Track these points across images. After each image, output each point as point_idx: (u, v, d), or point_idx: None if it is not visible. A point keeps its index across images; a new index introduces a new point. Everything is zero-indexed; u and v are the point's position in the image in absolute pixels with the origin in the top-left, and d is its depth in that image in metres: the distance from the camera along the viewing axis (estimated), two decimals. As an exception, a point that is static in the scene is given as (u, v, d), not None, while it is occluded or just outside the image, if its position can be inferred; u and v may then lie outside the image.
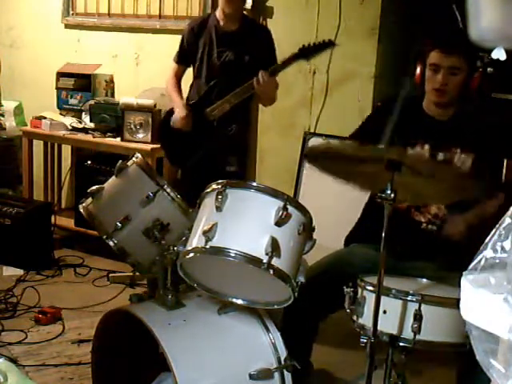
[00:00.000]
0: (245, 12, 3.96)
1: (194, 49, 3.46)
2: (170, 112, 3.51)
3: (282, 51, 3.88)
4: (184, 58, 3.52)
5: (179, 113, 3.39)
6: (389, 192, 1.85)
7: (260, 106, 4.07)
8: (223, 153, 3.43)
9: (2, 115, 5.01)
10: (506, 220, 1.01)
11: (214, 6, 3.93)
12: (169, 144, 3.61)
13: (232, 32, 3.39)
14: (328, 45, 3.20)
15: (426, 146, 2.44)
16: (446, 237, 2.37)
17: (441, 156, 2.43)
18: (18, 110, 5.10)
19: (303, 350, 2.52)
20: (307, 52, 3.21)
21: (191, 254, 1.93)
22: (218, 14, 3.42)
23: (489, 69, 3.47)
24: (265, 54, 3.41)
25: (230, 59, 3.36)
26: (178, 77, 3.56)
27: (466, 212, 2.40)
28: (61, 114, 4.71)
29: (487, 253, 1.01)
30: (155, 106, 4.10)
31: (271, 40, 3.45)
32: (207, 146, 3.39)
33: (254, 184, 1.98)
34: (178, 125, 3.40)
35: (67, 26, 4.91)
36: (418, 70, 2.47)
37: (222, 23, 3.40)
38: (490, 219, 2.40)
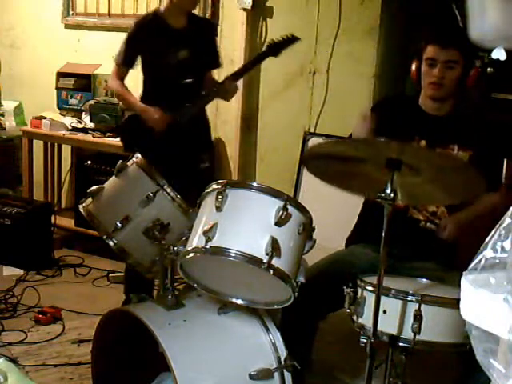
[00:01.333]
0: (245, 12, 3.98)
1: (143, 50, 3.29)
2: (133, 117, 3.37)
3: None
4: (130, 61, 3.31)
5: (154, 114, 3.20)
6: (388, 192, 1.85)
7: (260, 106, 4.08)
8: (196, 151, 3.40)
9: (2, 115, 5.01)
10: (506, 220, 1.01)
11: (159, 4, 3.91)
12: (136, 146, 3.29)
13: (182, 29, 3.27)
14: (293, 40, 3.26)
15: (423, 143, 2.44)
16: (440, 239, 2.37)
17: (438, 150, 2.44)
18: (18, 110, 5.10)
19: (302, 350, 2.51)
20: (275, 48, 3.26)
21: (191, 254, 1.93)
22: (165, 11, 3.27)
23: (489, 69, 3.47)
24: (213, 47, 3.42)
25: (184, 57, 3.26)
26: (122, 79, 3.35)
27: (458, 212, 2.40)
28: (61, 114, 4.72)
29: (487, 253, 1.01)
30: (155, 106, 4.09)
31: (216, 31, 3.48)
32: (183, 147, 3.30)
33: (255, 184, 1.98)
34: (156, 125, 3.21)
35: (67, 26, 4.91)
36: (414, 67, 2.47)
37: (169, 21, 3.26)
38: (483, 218, 2.40)
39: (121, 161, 2.51)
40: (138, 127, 3.31)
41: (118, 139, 4.16)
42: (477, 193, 1.99)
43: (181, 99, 3.26)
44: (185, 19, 3.28)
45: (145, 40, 3.27)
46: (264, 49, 3.32)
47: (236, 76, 3.31)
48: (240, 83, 3.85)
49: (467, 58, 2.38)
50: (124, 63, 3.32)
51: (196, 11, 4.11)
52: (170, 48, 3.25)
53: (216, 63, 3.47)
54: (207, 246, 1.88)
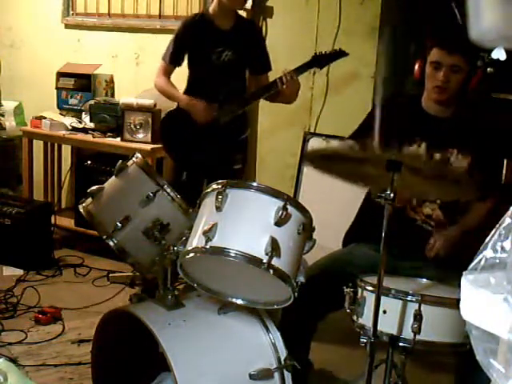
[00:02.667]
0: (245, 12, 3.97)
1: (189, 49, 3.39)
2: (172, 113, 3.47)
3: (282, 51, 3.89)
4: (176, 59, 3.43)
5: (200, 105, 3.28)
6: (388, 192, 1.85)
7: (260, 106, 4.08)
8: (231, 152, 3.45)
9: (2, 115, 5.01)
10: (506, 220, 1.01)
11: (206, 6, 3.92)
12: (174, 145, 3.53)
13: (228, 30, 3.35)
14: (340, 54, 3.24)
15: (423, 145, 2.44)
16: (432, 256, 2.39)
17: (437, 156, 2.44)
18: (18, 110, 5.10)
19: (301, 349, 2.52)
20: (321, 60, 3.25)
21: (191, 254, 1.93)
22: (213, 12, 3.35)
23: (489, 69, 3.47)
24: (259, 51, 3.43)
25: (230, 59, 3.33)
26: (168, 76, 3.46)
27: (447, 229, 2.41)
28: (61, 114, 4.72)
29: (487, 253, 1.01)
30: (155, 105, 4.10)
31: (262, 36, 3.48)
32: (219, 148, 3.37)
33: (254, 184, 1.98)
34: (200, 117, 3.29)
35: (67, 26, 4.92)
36: (418, 66, 2.47)
37: (217, 22, 3.35)
38: (474, 231, 2.43)
39: (121, 161, 2.51)
40: (178, 122, 3.39)
41: (119, 139, 4.21)
42: (475, 191, 1.99)
43: (222, 99, 3.32)
44: (232, 20, 3.35)
45: (191, 39, 3.37)
46: (310, 58, 3.27)
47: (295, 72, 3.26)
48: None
49: (471, 62, 2.40)
50: (171, 61, 3.43)
51: (196, 11, 4.13)
52: (215, 48, 3.32)
53: (263, 67, 3.45)
54: (207, 246, 1.88)
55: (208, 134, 3.33)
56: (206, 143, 3.35)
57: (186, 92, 3.44)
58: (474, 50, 2.41)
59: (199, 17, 3.43)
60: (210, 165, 3.34)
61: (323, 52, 3.25)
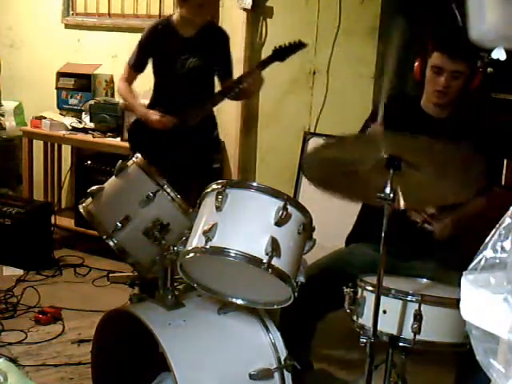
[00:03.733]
0: (245, 12, 3.98)
1: (153, 56, 3.37)
2: (137, 121, 3.43)
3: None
4: (139, 65, 3.41)
5: (152, 115, 3.26)
6: (388, 192, 1.85)
7: (260, 106, 4.08)
8: (205, 151, 3.44)
9: (2, 115, 5.01)
10: (506, 220, 1.01)
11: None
12: (146, 152, 3.45)
13: (192, 37, 3.31)
14: (299, 46, 3.23)
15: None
16: (435, 238, 2.39)
17: (439, 146, 2.44)
18: (18, 110, 5.10)
19: (301, 349, 2.52)
20: (281, 53, 3.23)
21: (191, 254, 1.93)
22: (177, 19, 3.31)
23: (489, 69, 3.47)
24: (224, 56, 3.41)
25: (195, 65, 3.30)
26: (130, 82, 3.44)
27: (452, 212, 2.41)
28: (61, 114, 4.72)
29: (487, 253, 1.01)
30: (155, 106, 4.10)
31: (228, 40, 3.44)
32: (192, 149, 3.33)
33: (254, 184, 1.98)
34: (157, 125, 3.25)
35: (67, 26, 4.92)
36: (417, 67, 2.47)
37: (180, 30, 3.31)
38: (476, 217, 2.43)
39: (121, 161, 2.51)
40: (145, 129, 3.35)
41: (119, 140, 4.21)
42: (476, 190, 1.99)
43: (188, 105, 3.28)
44: (195, 28, 3.31)
45: (155, 46, 3.35)
46: (271, 53, 3.26)
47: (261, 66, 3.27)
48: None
49: (473, 66, 2.40)
50: (134, 67, 3.42)
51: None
52: (179, 56, 3.29)
53: (227, 72, 3.43)
54: (207, 246, 1.88)
55: (178, 136, 3.29)
56: (177, 146, 3.30)
57: (152, 99, 3.43)
58: (475, 55, 2.42)
59: (164, 22, 3.41)
60: (187, 166, 3.30)
61: (283, 45, 3.23)
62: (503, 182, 3.21)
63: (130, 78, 3.44)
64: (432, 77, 2.42)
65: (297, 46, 3.24)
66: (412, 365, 2.10)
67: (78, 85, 4.64)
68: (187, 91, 3.32)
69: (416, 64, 2.49)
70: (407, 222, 2.44)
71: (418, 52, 2.51)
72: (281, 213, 1.88)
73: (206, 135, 3.43)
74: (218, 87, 3.44)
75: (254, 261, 1.85)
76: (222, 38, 3.42)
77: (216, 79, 3.45)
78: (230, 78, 3.39)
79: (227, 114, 4.16)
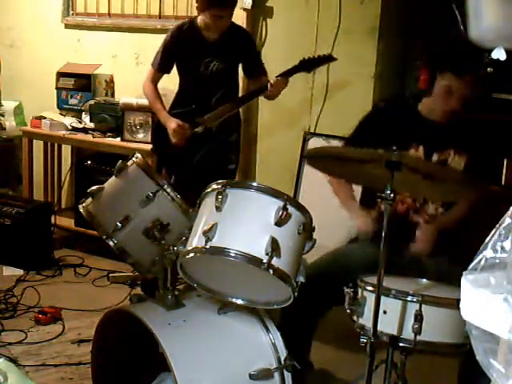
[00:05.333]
0: (245, 12, 3.98)
1: (177, 59, 3.42)
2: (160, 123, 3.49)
3: (282, 51, 3.89)
4: (165, 67, 3.46)
5: (172, 124, 3.32)
6: (388, 192, 1.85)
7: (259, 106, 4.08)
8: (224, 152, 3.47)
9: (2, 115, 5.01)
10: (506, 220, 1.01)
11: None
12: (165, 150, 3.53)
13: (216, 40, 3.35)
14: (329, 59, 3.28)
15: (421, 148, 2.46)
16: (417, 255, 2.40)
17: (435, 157, 2.46)
18: (18, 110, 5.10)
19: (302, 348, 2.52)
20: (308, 65, 3.27)
21: (191, 254, 1.93)
22: (200, 23, 3.34)
23: (489, 69, 3.47)
24: (250, 56, 3.46)
25: (218, 69, 3.35)
26: (155, 84, 3.49)
27: (429, 225, 2.43)
28: (61, 114, 4.71)
29: (487, 253, 1.01)
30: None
31: (253, 41, 3.49)
32: (212, 149, 3.40)
33: (254, 184, 1.98)
34: (173, 137, 3.33)
35: (67, 26, 4.91)
36: (425, 76, 2.49)
37: (204, 33, 3.35)
38: (456, 225, 2.45)
39: (121, 161, 2.51)
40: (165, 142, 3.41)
41: (119, 140, 4.21)
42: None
43: (212, 109, 3.33)
44: (219, 31, 3.33)
45: (179, 50, 3.40)
46: (297, 63, 3.30)
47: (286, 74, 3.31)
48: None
49: (475, 81, 2.42)
50: (159, 69, 3.47)
51: (196, 12, 4.12)
52: (202, 59, 3.33)
53: (259, 71, 3.47)
54: (207, 246, 1.88)
55: (199, 137, 3.35)
56: (199, 146, 3.38)
57: (177, 98, 3.48)
58: (482, 71, 2.45)
59: (187, 27, 3.44)
60: (206, 167, 3.36)
61: (311, 56, 3.28)
62: (503, 182, 3.21)
63: (154, 79, 3.49)
64: (442, 95, 2.44)
65: (326, 59, 3.29)
66: (412, 365, 2.09)
67: (78, 85, 4.63)
68: (210, 94, 3.37)
69: (422, 73, 2.50)
70: (409, 226, 2.45)
71: (420, 58, 2.52)
72: (281, 213, 1.88)
73: (224, 137, 3.47)
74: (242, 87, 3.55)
75: (254, 261, 1.85)
76: (246, 40, 3.47)
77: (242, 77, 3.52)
78: (260, 76, 3.45)
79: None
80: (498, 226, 1.01)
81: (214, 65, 3.35)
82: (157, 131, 3.64)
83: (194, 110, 3.36)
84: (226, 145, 3.49)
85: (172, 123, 3.33)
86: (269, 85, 3.27)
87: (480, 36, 0.87)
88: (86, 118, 4.52)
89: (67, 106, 4.69)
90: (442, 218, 2.48)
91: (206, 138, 3.37)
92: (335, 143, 3.56)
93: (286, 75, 3.28)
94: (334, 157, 1.95)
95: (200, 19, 3.34)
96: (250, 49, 3.51)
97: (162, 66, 3.46)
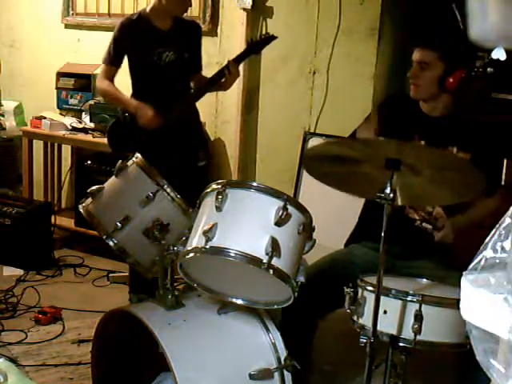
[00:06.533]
0: (245, 12, 3.98)
1: (129, 50, 3.32)
2: (117, 121, 3.41)
3: (282, 51, 3.89)
4: (116, 60, 3.35)
5: (148, 111, 3.21)
6: (388, 192, 1.84)
7: (260, 106, 4.08)
8: (192, 149, 3.42)
9: (2, 115, 5.01)
10: (506, 220, 1.01)
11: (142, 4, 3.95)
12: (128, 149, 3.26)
13: (167, 30, 3.29)
14: (271, 38, 3.35)
15: (422, 143, 2.44)
16: (437, 241, 2.38)
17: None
18: (18, 110, 5.10)
19: (303, 349, 2.51)
20: (255, 47, 3.34)
21: (191, 254, 1.93)
22: (151, 12, 3.28)
23: (489, 69, 3.47)
24: (198, 50, 3.43)
25: (171, 59, 3.27)
26: (111, 79, 3.38)
27: (456, 216, 2.41)
28: (61, 114, 4.72)
29: (487, 253, 1.01)
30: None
31: (201, 34, 3.46)
32: (177, 146, 3.31)
33: (254, 184, 1.97)
34: (148, 124, 3.21)
35: (67, 26, 4.91)
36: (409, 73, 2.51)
37: (155, 22, 3.28)
38: (482, 221, 2.42)
39: (121, 161, 2.51)
40: (126, 129, 3.32)
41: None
42: (476, 193, 1.98)
43: (168, 100, 3.27)
44: (170, 21, 3.29)
45: (130, 40, 3.30)
46: (246, 46, 3.42)
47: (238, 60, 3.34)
48: (240, 83, 3.86)
49: (446, 57, 2.40)
50: (111, 63, 3.36)
51: (196, 11, 4.13)
52: (155, 49, 3.26)
53: (198, 67, 3.45)
54: (207, 246, 1.88)
55: (162, 135, 3.26)
56: (162, 145, 3.26)
57: (131, 95, 3.37)
58: (448, 47, 2.43)
59: (137, 16, 3.36)
60: (172, 166, 3.16)
61: (257, 38, 3.36)
62: (503, 182, 3.21)
63: (109, 75, 3.38)
64: (413, 73, 2.47)
65: (269, 39, 3.36)
66: (412, 365, 2.09)
67: (78, 85, 4.63)
68: (167, 85, 3.30)
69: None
70: (405, 221, 2.44)
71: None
72: (281, 213, 1.88)
73: (190, 133, 3.42)
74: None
75: (254, 261, 1.85)
76: (197, 32, 3.43)
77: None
78: (199, 71, 3.44)
79: (227, 114, 4.17)
80: (498, 226, 1.01)
81: (166, 55, 3.27)
82: (113, 133, 3.49)
83: (152, 103, 3.23)
84: (192, 141, 3.42)
85: (149, 111, 3.20)
86: (226, 71, 3.24)
87: (481, 36, 0.87)
88: (86, 118, 4.52)
89: (67, 106, 4.70)
90: (461, 217, 2.44)
91: (171, 136, 3.28)
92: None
93: (238, 61, 3.31)
94: (330, 157, 1.94)
95: (152, 7, 3.28)
96: (199, 41, 3.44)
97: (113, 59, 3.34)
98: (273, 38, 3.37)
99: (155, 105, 3.23)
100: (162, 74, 3.29)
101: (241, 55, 3.36)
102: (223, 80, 3.29)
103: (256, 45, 3.35)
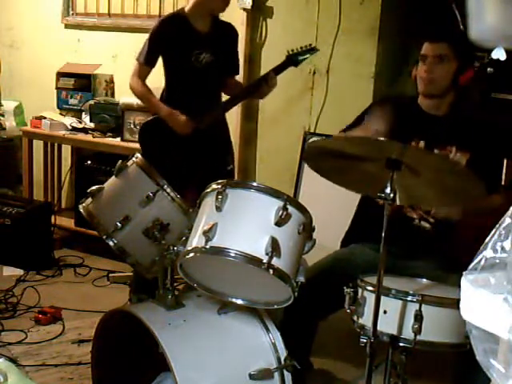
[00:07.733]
0: (245, 12, 3.98)
1: (165, 50, 3.24)
2: (148, 124, 3.32)
3: (282, 51, 3.88)
4: (151, 59, 3.24)
5: (180, 118, 3.14)
6: (388, 192, 1.85)
7: (260, 106, 4.08)
8: (222, 154, 3.40)
9: (2, 115, 5.01)
10: (506, 220, 1.01)
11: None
12: (158, 159, 3.06)
13: (206, 32, 3.24)
14: (312, 50, 3.26)
15: (422, 143, 2.44)
16: (443, 217, 2.36)
17: (436, 152, 2.44)
18: (18, 110, 5.10)
19: (303, 350, 2.51)
20: (294, 59, 3.24)
21: (191, 254, 1.93)
22: (190, 12, 3.22)
23: (489, 69, 3.47)
24: (235, 53, 3.40)
25: (208, 61, 3.22)
26: (144, 79, 3.26)
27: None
28: (61, 114, 4.72)
29: (487, 253, 1.01)
30: (155, 105, 4.09)
31: (238, 37, 3.43)
32: (209, 151, 3.28)
33: (254, 184, 1.97)
34: (181, 130, 3.16)
35: (67, 26, 4.92)
36: (414, 69, 2.49)
37: (194, 23, 3.21)
38: (486, 212, 2.41)
39: (121, 161, 2.51)
40: (158, 133, 3.25)
41: (119, 140, 4.21)
42: (475, 195, 1.98)
43: (204, 103, 3.23)
44: (209, 22, 3.24)
45: (168, 40, 3.22)
46: (285, 59, 3.26)
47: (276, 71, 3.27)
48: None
49: (459, 52, 2.39)
50: (146, 62, 3.26)
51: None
52: (193, 51, 3.20)
53: (235, 70, 3.43)
54: (207, 246, 1.88)
55: (194, 141, 3.21)
56: (193, 150, 3.22)
57: (165, 96, 3.29)
58: (460, 41, 2.41)
59: (176, 16, 3.30)
60: (207, 172, 3.16)
61: (295, 50, 3.24)
62: (503, 182, 3.21)
63: (142, 75, 3.28)
64: (420, 66, 2.44)
65: (309, 51, 3.25)
66: (412, 365, 2.09)
67: (78, 85, 4.64)
68: (204, 88, 3.24)
69: (414, 68, 2.50)
70: (403, 220, 2.43)
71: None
72: (281, 213, 1.88)
73: (220, 138, 3.38)
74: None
75: (254, 261, 1.85)
76: (234, 35, 3.40)
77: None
78: (235, 74, 3.41)
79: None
80: (497, 226, 1.01)
81: (203, 57, 3.21)
82: (145, 137, 3.36)
83: (187, 105, 3.19)
84: (222, 146, 3.40)
85: (181, 117, 3.14)
86: (264, 82, 3.21)
87: (480, 36, 0.87)
88: (85, 118, 4.52)
89: (67, 106, 4.70)
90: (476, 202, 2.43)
91: (202, 141, 3.23)
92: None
93: (277, 73, 3.24)
94: (332, 153, 1.94)
95: (190, 8, 3.21)
96: (236, 45, 3.42)
97: (149, 58, 3.24)
98: (313, 49, 3.26)
99: (189, 108, 3.18)
100: (199, 76, 3.23)
101: (279, 67, 3.25)
102: (261, 89, 3.25)
103: (295, 57, 3.24)
